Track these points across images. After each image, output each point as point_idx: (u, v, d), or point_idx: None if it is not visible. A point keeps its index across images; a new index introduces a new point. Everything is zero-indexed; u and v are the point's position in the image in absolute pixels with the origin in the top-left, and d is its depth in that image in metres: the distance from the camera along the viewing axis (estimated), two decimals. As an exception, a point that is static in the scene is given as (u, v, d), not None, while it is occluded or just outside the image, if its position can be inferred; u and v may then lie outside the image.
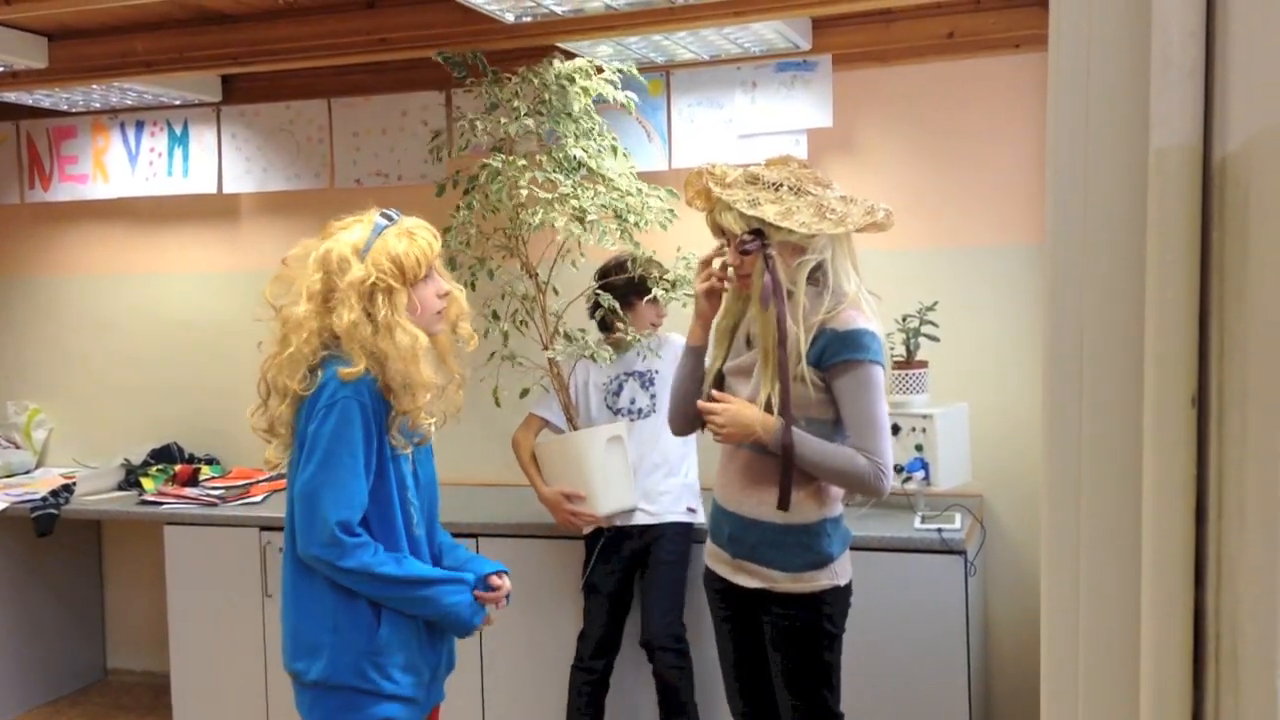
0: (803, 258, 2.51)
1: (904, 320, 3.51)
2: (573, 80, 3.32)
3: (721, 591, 2.71)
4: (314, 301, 2.30)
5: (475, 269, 3.38)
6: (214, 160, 4.54)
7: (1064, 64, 0.99)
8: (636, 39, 3.48)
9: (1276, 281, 0.72)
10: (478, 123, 3.38)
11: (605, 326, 3.47)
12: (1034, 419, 3.62)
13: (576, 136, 3.33)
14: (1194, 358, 0.86)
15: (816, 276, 2.54)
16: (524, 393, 3.47)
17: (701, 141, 3.93)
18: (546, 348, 3.38)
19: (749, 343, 2.63)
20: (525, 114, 3.29)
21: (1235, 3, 0.83)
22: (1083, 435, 0.97)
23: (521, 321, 3.42)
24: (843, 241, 2.56)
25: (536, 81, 3.31)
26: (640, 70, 3.60)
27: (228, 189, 4.55)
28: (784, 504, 2.51)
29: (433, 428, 2.38)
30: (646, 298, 3.37)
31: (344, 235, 2.34)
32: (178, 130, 4.59)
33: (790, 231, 2.47)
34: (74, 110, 4.59)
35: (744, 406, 2.54)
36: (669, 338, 3.53)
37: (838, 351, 2.49)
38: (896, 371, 3.50)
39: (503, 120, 3.32)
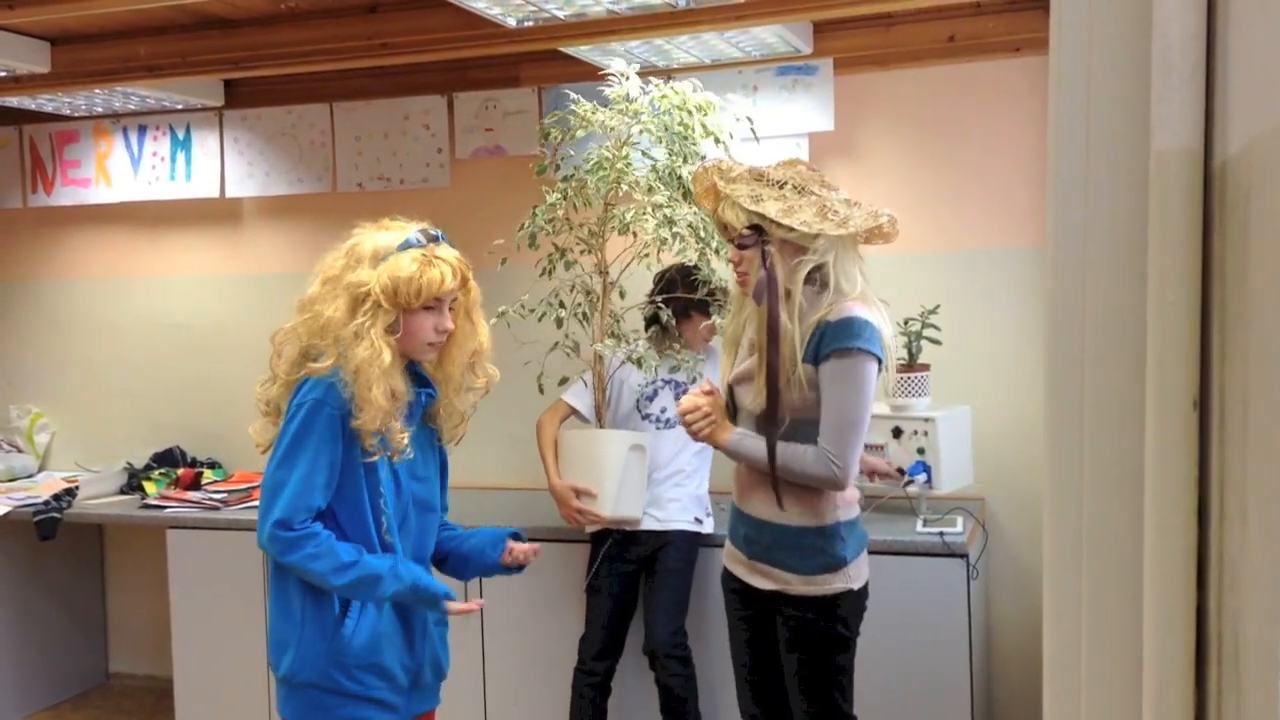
0: (802, 258, 2.50)
1: (906, 324, 3.51)
2: (702, 111, 3.27)
3: (738, 592, 2.71)
4: (326, 286, 2.31)
5: (554, 257, 3.35)
6: (216, 164, 4.55)
7: (1065, 68, 0.99)
8: (638, 43, 3.49)
9: (1277, 284, 0.72)
10: (598, 114, 3.28)
11: (659, 333, 3.43)
12: (1036, 422, 3.62)
13: (686, 158, 3.28)
14: (1195, 360, 0.87)
15: (816, 277, 2.52)
16: (563, 381, 3.48)
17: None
18: (595, 343, 3.36)
19: (752, 348, 2.63)
20: (647, 123, 3.24)
21: (1235, 6, 0.84)
22: (1084, 438, 0.98)
23: (584, 315, 3.39)
24: (848, 246, 2.54)
25: (666, 103, 3.25)
26: (642, 74, 3.60)
27: (230, 193, 4.56)
28: (780, 502, 2.54)
29: (406, 442, 2.33)
30: (705, 323, 3.38)
31: (378, 235, 2.34)
32: (180, 134, 4.60)
33: (790, 229, 2.46)
34: (76, 114, 4.60)
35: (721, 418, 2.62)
36: (718, 354, 3.54)
37: (830, 341, 2.46)
38: (899, 375, 3.49)
39: (623, 121, 3.25)
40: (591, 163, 3.26)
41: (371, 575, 2.27)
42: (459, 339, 2.40)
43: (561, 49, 3.53)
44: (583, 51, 3.57)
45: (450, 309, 2.37)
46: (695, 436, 2.65)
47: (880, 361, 2.50)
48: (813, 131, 3.87)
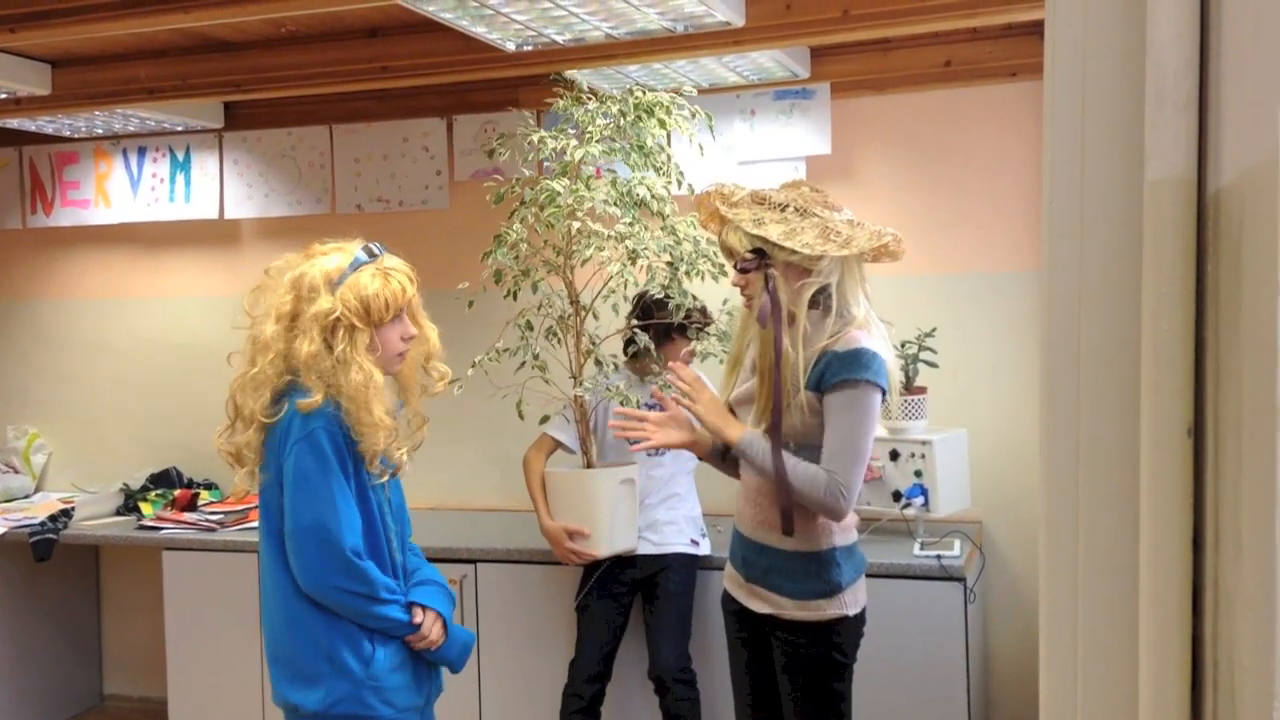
0: (807, 280, 2.49)
1: (903, 346, 3.52)
2: (651, 113, 3.19)
3: (736, 613, 2.70)
4: (282, 323, 2.30)
5: (519, 279, 3.28)
6: (216, 186, 4.56)
7: (1059, 96, 1.00)
8: (637, 67, 3.51)
9: (1270, 313, 0.72)
10: (549, 140, 3.22)
11: (636, 356, 3.40)
12: (1033, 445, 3.61)
13: (648, 170, 3.22)
14: (1190, 388, 0.87)
15: (820, 300, 2.51)
16: (544, 419, 3.45)
17: (701, 168, 3.94)
18: (574, 377, 3.29)
19: (754, 369, 2.63)
20: (597, 139, 3.18)
21: (1229, 37, 0.85)
22: (1080, 464, 0.98)
23: (556, 338, 3.33)
24: (852, 267, 2.53)
25: (615, 109, 3.19)
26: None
27: (229, 214, 4.57)
28: (788, 529, 2.49)
29: (405, 457, 2.38)
30: (685, 347, 3.37)
31: (321, 261, 2.33)
32: (180, 156, 4.61)
33: (793, 252, 2.46)
34: (77, 136, 4.61)
35: (719, 407, 2.59)
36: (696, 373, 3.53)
37: (837, 372, 2.45)
38: (895, 398, 3.49)
39: (572, 144, 3.19)
40: (545, 196, 3.18)
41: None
42: (411, 343, 2.42)
43: (561, 73, 3.54)
44: (582, 75, 3.59)
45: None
46: (636, 447, 2.69)
47: (884, 393, 2.50)
48: (810, 155, 3.89)
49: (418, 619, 2.35)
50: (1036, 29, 3.56)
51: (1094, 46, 0.97)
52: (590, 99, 3.24)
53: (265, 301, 2.35)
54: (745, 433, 2.54)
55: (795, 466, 2.48)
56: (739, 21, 3.04)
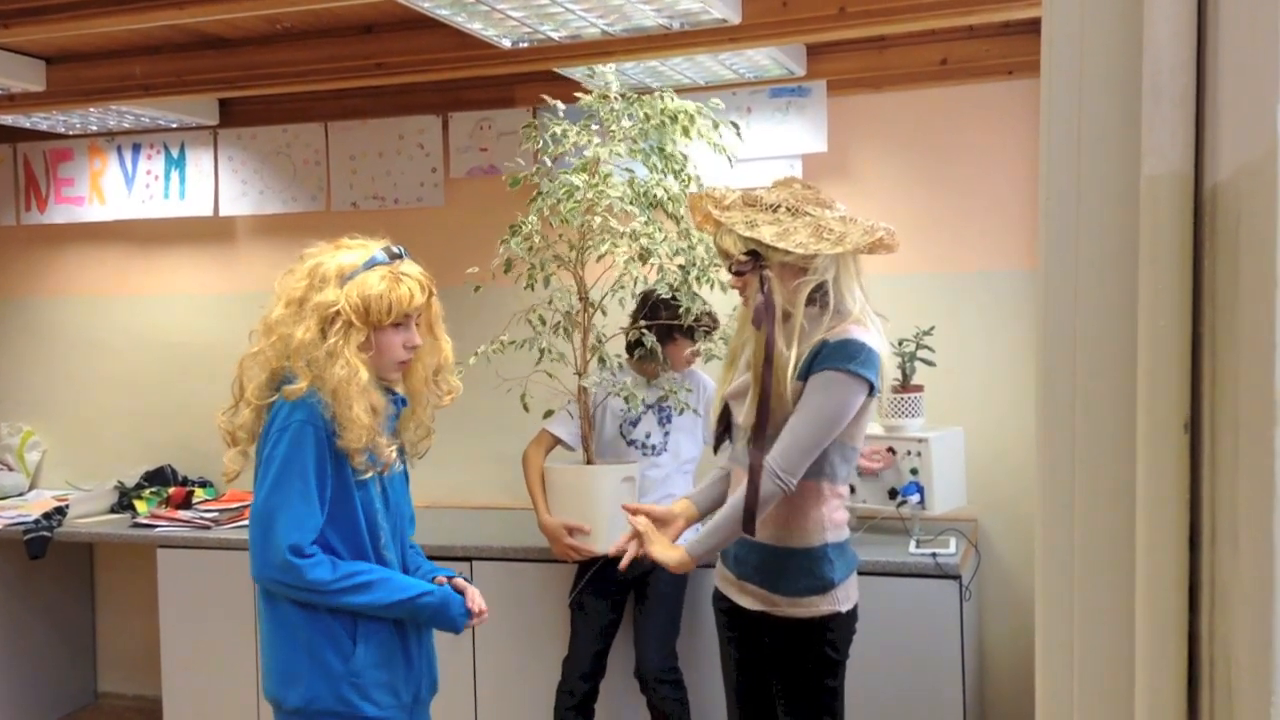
0: (803, 279, 2.48)
1: (900, 344, 3.52)
2: (674, 119, 3.17)
3: (727, 611, 2.70)
4: (290, 308, 2.31)
5: (533, 272, 3.27)
6: (210, 183, 4.55)
7: (1056, 92, 1.00)
8: (633, 64, 3.51)
9: (1267, 308, 0.72)
10: (570, 134, 3.21)
11: (644, 355, 3.40)
12: (1029, 443, 3.62)
13: (665, 172, 3.21)
14: (1186, 384, 0.87)
15: (816, 298, 2.51)
16: (548, 414, 3.44)
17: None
18: (578, 374, 3.29)
19: (747, 366, 2.63)
20: (620, 139, 3.17)
21: (1225, 32, 0.84)
22: (1077, 461, 0.98)
23: (565, 331, 3.32)
24: (847, 262, 2.53)
25: (641, 113, 3.18)
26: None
27: (224, 211, 4.56)
28: (749, 527, 2.46)
29: (394, 455, 2.37)
30: (689, 348, 3.37)
31: (341, 254, 2.34)
32: (174, 153, 4.60)
33: (787, 252, 2.46)
34: (71, 133, 4.61)
35: (663, 549, 2.55)
36: (700, 377, 3.53)
37: (824, 360, 2.44)
38: (892, 396, 3.49)
39: (595, 142, 3.18)
40: (563, 190, 3.18)
41: (401, 593, 2.32)
42: (421, 353, 2.41)
43: (556, 70, 3.54)
44: (577, 73, 3.59)
45: (416, 324, 2.38)
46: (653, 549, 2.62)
47: (872, 387, 2.48)
48: (806, 153, 3.88)
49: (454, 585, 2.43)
50: (1033, 27, 3.56)
51: (1091, 44, 0.97)
52: (618, 99, 3.23)
53: (285, 284, 2.36)
54: (689, 546, 2.52)
55: (735, 504, 2.46)
56: (735, 19, 3.04)
